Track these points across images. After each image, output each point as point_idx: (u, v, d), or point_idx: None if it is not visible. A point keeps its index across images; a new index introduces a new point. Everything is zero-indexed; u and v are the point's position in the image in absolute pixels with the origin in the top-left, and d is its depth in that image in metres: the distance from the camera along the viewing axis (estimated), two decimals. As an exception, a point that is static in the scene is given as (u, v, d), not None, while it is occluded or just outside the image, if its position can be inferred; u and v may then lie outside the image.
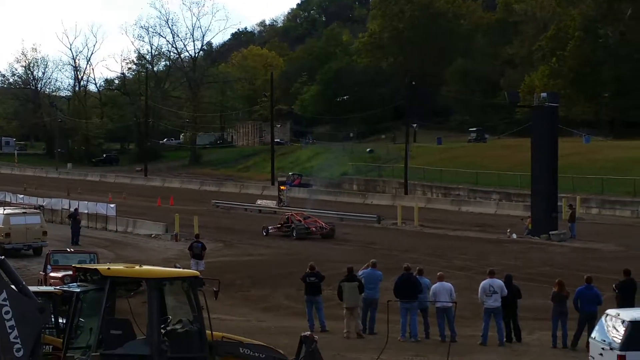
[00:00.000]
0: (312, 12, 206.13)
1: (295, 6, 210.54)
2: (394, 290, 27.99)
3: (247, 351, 17.75)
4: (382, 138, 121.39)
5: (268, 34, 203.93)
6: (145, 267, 18.39)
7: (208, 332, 17.05)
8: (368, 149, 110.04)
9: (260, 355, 17.83)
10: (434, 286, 27.86)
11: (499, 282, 27.29)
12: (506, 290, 27.13)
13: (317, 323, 29.50)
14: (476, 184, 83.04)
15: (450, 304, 27.18)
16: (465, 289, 33.35)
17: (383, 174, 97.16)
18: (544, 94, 57.03)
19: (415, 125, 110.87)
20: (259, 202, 76.32)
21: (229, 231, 59.60)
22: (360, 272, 29.48)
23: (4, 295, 16.19)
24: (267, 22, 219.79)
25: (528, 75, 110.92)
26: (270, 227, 58.28)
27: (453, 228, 60.55)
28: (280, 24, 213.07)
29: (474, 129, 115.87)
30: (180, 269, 21.62)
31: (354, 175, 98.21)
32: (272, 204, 73.82)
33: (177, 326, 17.29)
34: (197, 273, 18.59)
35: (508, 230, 55.64)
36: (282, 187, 75.24)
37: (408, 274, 28.27)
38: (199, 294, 17.12)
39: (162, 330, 16.96)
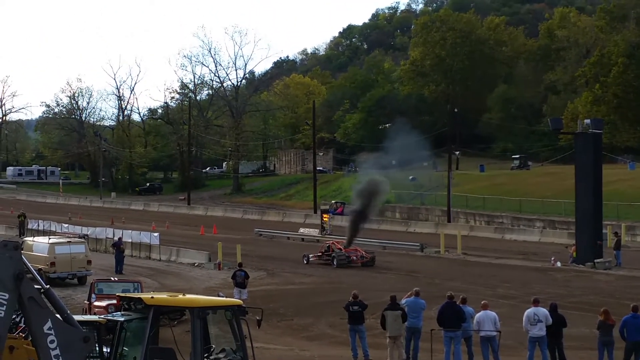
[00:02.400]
0: (353, 40, 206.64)
1: (337, 34, 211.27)
2: (437, 319, 27.82)
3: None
4: (424, 165, 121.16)
5: (310, 62, 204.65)
6: (188, 296, 18.45)
7: (251, 361, 17.07)
8: (410, 177, 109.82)
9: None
10: (477, 315, 27.65)
11: (543, 311, 27.04)
12: (551, 319, 26.86)
13: (360, 352, 29.38)
14: (520, 212, 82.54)
15: (494, 333, 26.97)
16: (509, 318, 33.05)
17: (425, 202, 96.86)
18: (587, 121, 56.52)
19: (457, 152, 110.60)
20: (301, 230, 76.33)
21: (272, 260, 59.59)
22: (403, 301, 29.34)
23: (49, 324, 16.30)
24: (309, 51, 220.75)
25: (571, 102, 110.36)
26: (311, 256, 58.35)
27: (496, 256, 60.16)
28: (322, 52, 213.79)
29: (517, 156, 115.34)
30: (224, 298, 21.64)
31: (397, 203, 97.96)
32: (315, 232, 73.77)
33: (221, 355, 17.30)
34: (240, 302, 18.62)
35: (552, 258, 55.17)
36: (325, 216, 75.13)
37: (451, 303, 28.09)
38: (242, 323, 17.13)
39: (206, 359, 16.99)
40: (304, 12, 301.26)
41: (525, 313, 27.26)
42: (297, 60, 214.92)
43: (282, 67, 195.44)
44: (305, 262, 57.83)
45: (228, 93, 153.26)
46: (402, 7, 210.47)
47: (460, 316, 27.71)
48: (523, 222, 79.28)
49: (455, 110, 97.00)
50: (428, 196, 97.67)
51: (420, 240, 66.72)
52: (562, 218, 73.92)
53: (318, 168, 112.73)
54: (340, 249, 57.42)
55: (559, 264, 54.18)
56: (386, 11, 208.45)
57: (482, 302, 28.50)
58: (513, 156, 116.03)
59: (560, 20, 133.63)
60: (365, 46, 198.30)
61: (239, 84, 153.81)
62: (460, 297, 29.04)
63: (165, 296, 17.90)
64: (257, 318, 18.00)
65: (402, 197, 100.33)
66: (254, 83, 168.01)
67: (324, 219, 74.23)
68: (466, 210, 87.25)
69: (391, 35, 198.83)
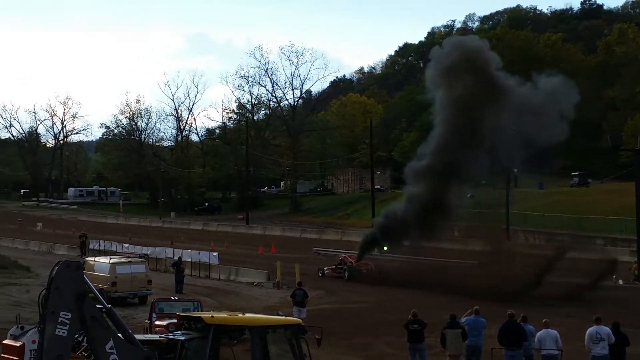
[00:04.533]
0: (410, 58, 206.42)
1: (393, 53, 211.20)
2: (498, 338, 27.63)
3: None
4: (482, 183, 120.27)
5: (367, 81, 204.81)
6: (248, 315, 18.53)
7: (311, 380, 17.07)
8: (469, 195, 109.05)
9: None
10: (539, 333, 27.40)
11: (606, 330, 26.72)
12: (614, 338, 26.54)
13: (420, 371, 29.28)
14: (580, 229, 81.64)
15: (556, 352, 26.70)
16: (571, 337, 32.69)
17: (484, 220, 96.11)
18: (647, 137, 56.05)
19: (516, 170, 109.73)
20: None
21: (330, 279, 59.58)
22: (463, 319, 29.19)
23: (111, 343, 16.46)
24: (366, 69, 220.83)
25: (631, 118, 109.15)
26: (325, 269, 61.48)
27: (557, 274, 59.49)
28: (378, 71, 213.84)
29: (576, 173, 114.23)
30: (283, 317, 21.67)
31: (455, 221, 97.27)
32: (374, 250, 73.47)
33: (281, 373, 17.35)
34: (300, 321, 18.65)
35: (614, 277, 54.51)
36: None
37: (512, 321, 27.88)
38: (301, 342, 17.14)
39: (266, 378, 17.04)
40: (360, 31, 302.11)
41: (588, 331, 26.96)
42: (354, 79, 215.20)
43: (339, 86, 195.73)
44: (320, 274, 60.36)
45: (285, 113, 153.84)
46: (458, 25, 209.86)
47: (522, 335, 27.49)
48: (584, 239, 78.33)
49: (514, 128, 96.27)
50: (486, 214, 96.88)
51: (478, 258, 66.21)
52: (624, 236, 72.97)
53: (376, 187, 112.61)
54: (352, 263, 61.24)
55: (621, 282, 53.55)
56: (442, 29, 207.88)
57: (544, 320, 28.23)
58: (572, 173, 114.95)
59: (618, 36, 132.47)
60: (421, 64, 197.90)
61: (296, 103, 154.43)
62: (521, 315, 28.82)
63: (225, 315, 17.99)
64: (317, 337, 18.01)
65: (460, 214, 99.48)
66: (311, 102, 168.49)
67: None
68: (525, 228, 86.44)
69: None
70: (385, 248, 71.70)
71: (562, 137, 59.14)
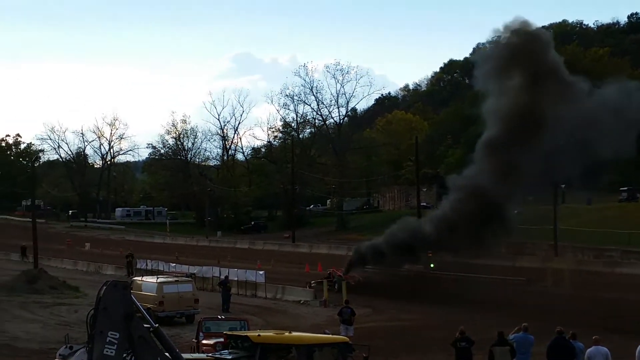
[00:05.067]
0: (455, 75, 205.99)
1: (438, 70, 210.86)
2: (547, 355, 27.39)
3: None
4: (529, 199, 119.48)
5: (412, 98, 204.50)
6: (294, 333, 18.53)
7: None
8: (515, 210, 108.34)
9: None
10: (589, 350, 27.12)
11: (656, 346, 26.43)
12: (665, 355, 26.23)
13: (468, 389, 29.08)
14: (629, 245, 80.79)
15: (606, 369, 26.42)
16: (622, 354, 32.32)
17: (531, 236, 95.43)
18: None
19: (563, 185, 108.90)
20: (407, 266, 75.73)
21: (378, 296, 59.38)
22: (511, 336, 28.98)
23: (159, 362, 16.53)
24: (411, 87, 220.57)
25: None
26: (312, 282, 63.91)
27: (607, 290, 58.92)
28: (423, 88, 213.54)
29: (625, 188, 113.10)
30: (330, 335, 21.63)
31: (505, 237, 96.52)
32: (421, 268, 73.19)
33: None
34: (347, 339, 18.63)
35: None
36: (429, 252, 74.51)
37: (561, 338, 27.63)
38: (349, 360, 17.11)
39: (313, 397, 17.01)
40: (405, 49, 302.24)
41: (638, 348, 26.65)
42: (399, 96, 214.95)
43: (384, 103, 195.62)
44: (307, 287, 61.77)
45: (331, 131, 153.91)
46: (504, 41, 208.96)
47: (571, 352, 27.22)
48: (634, 255, 77.55)
49: (561, 143, 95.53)
50: (533, 230, 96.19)
51: (526, 274, 65.77)
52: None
53: (422, 203, 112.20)
54: (340, 275, 63.93)
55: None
56: (487, 45, 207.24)
57: (594, 337, 27.93)
58: (621, 188, 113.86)
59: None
60: (466, 81, 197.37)
61: (341, 121, 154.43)
62: (570, 332, 28.55)
63: (271, 334, 18.03)
64: (364, 355, 17.98)
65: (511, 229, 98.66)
66: (356, 120, 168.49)
67: (428, 254, 73.61)
68: (573, 244, 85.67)
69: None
70: (432, 265, 71.47)
71: (631, 152, 57.15)
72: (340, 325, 40.78)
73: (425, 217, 72.64)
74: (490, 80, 63.10)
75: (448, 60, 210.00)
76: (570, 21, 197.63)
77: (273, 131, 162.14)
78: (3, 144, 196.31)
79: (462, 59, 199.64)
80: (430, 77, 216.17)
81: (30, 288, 64.19)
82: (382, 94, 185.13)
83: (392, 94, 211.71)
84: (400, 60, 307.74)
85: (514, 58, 60.71)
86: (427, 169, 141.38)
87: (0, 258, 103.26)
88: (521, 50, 60.32)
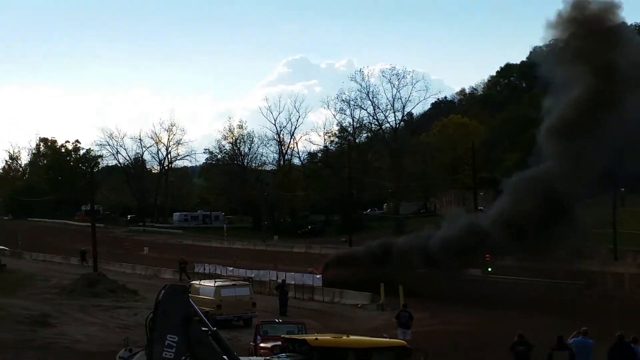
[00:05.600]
0: (512, 78, 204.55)
1: (494, 73, 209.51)
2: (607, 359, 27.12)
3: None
4: (587, 202, 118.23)
5: (468, 102, 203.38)
6: (352, 337, 18.52)
7: (417, 402, 16.99)
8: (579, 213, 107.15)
9: None
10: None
11: None
12: None
13: (527, 393, 28.87)
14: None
15: (667, 374, 26.11)
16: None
17: (590, 240, 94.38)
18: None
19: (623, 189, 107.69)
20: (463, 270, 75.28)
21: (435, 300, 59.12)
22: (570, 341, 28.73)
23: (217, 365, 16.62)
24: (467, 90, 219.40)
25: None
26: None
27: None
28: (480, 92, 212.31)
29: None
30: (388, 339, 21.61)
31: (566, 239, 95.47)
32: (478, 272, 72.85)
33: (385, 396, 17.28)
34: (404, 343, 18.59)
35: None
36: (487, 256, 74.10)
37: (622, 343, 27.33)
38: (406, 364, 17.07)
39: (371, 400, 17.00)
40: (461, 53, 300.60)
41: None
42: (455, 100, 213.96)
43: (440, 107, 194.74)
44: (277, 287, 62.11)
45: (387, 135, 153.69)
46: (560, 44, 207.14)
47: (632, 356, 26.93)
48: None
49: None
50: (593, 234, 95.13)
51: (585, 278, 65.11)
52: None
53: (479, 208, 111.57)
54: (315, 272, 68.78)
55: None
56: (544, 49, 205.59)
57: (632, 337, 27.66)
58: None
59: None
60: (524, 84, 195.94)
61: (397, 125, 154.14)
62: (631, 336, 28.24)
63: (329, 338, 18.03)
64: (422, 359, 17.91)
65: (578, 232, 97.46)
66: (413, 124, 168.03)
67: (487, 258, 73.21)
68: (634, 248, 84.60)
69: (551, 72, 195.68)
70: (489, 269, 71.10)
71: None
72: (398, 328, 40.70)
73: (481, 215, 71.02)
74: (556, 72, 61.35)
75: (505, 63, 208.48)
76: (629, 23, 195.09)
77: (329, 136, 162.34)
78: (62, 150, 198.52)
79: (518, 62, 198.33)
80: (486, 80, 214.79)
81: (90, 291, 64.89)
82: (438, 98, 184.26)
83: (449, 98, 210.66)
84: (456, 65, 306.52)
85: (583, 41, 59.10)
86: (484, 173, 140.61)
87: (60, 262, 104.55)
88: (590, 33, 58.58)
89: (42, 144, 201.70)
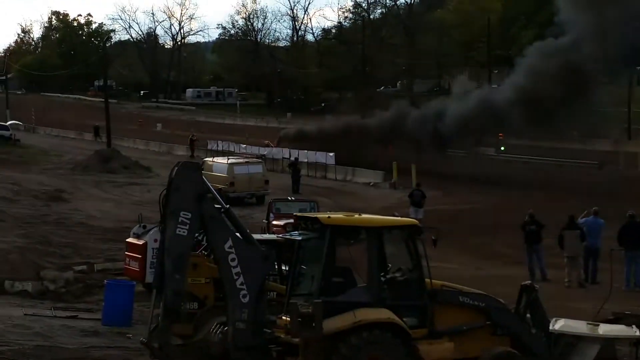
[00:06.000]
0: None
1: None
2: (617, 239, 27.26)
3: (467, 299, 17.67)
4: (603, 80, 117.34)
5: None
6: (364, 215, 18.57)
7: (427, 280, 17.11)
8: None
9: (480, 303, 17.71)
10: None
11: None
12: None
13: (537, 271, 29.14)
14: None
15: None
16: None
17: (604, 119, 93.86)
18: None
19: (638, 67, 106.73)
20: (476, 148, 75.18)
21: (448, 178, 59.18)
22: (581, 220, 28.85)
23: (230, 242, 16.76)
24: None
25: None
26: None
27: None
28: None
29: None
30: (399, 218, 21.70)
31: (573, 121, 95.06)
32: (491, 151, 72.76)
33: (397, 274, 17.41)
34: (416, 222, 18.64)
35: None
36: (500, 135, 73.96)
37: (633, 222, 27.43)
38: (418, 243, 17.16)
39: (382, 279, 17.14)
40: None
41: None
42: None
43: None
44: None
45: (401, 11, 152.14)
46: None
47: (642, 235, 27.08)
48: None
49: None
50: (606, 113, 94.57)
51: (598, 158, 65.03)
52: None
53: (493, 86, 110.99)
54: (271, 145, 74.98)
55: None
56: None
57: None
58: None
59: None
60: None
61: (412, 1, 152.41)
62: (642, 216, 28.33)
63: (341, 216, 18.06)
64: (433, 238, 17.98)
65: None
66: (428, 0, 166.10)
67: (499, 137, 73.07)
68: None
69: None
70: (502, 148, 71.04)
71: None
72: (410, 207, 40.89)
73: (494, 91, 69.43)
74: None
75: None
76: None
77: (343, 12, 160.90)
78: (75, 24, 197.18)
79: None
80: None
81: (104, 167, 65.29)
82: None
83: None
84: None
85: None
86: (499, 51, 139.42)
87: (74, 137, 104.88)
88: None
89: (54, 17, 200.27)
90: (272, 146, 74.59)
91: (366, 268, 16.92)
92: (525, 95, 59.28)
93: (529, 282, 19.04)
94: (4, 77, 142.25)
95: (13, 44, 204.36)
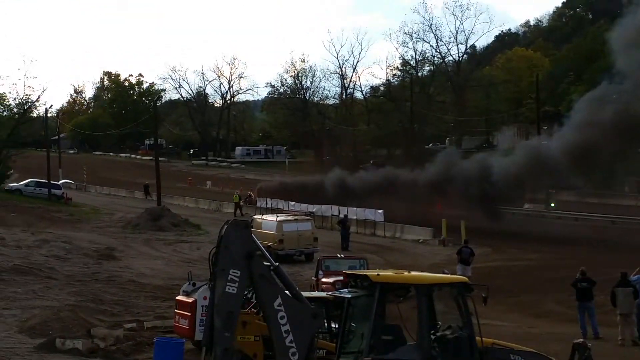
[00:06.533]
0: (577, 9, 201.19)
1: (560, 5, 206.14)
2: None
3: (518, 358, 17.49)
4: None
5: (532, 34, 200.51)
6: (413, 273, 18.51)
7: (478, 338, 16.96)
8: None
9: (532, 362, 17.53)
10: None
11: None
12: None
13: (589, 329, 28.78)
14: None
15: None
16: None
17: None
18: None
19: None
20: (526, 205, 74.92)
21: (497, 235, 58.92)
22: (634, 278, 28.52)
23: (279, 300, 16.74)
24: (532, 22, 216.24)
25: None
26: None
27: None
28: (545, 24, 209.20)
29: None
30: (449, 275, 21.60)
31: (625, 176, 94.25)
32: (539, 207, 72.45)
33: (447, 332, 17.28)
34: (466, 279, 18.55)
35: None
36: (550, 190, 73.60)
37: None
38: (468, 300, 17.05)
39: (432, 336, 17.02)
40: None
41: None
42: (520, 32, 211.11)
43: (504, 40, 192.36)
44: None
45: (449, 68, 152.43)
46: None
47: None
48: None
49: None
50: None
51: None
52: None
53: (542, 142, 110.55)
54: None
55: None
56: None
57: None
58: None
59: None
60: (590, 16, 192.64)
61: (460, 59, 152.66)
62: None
63: (390, 273, 18.01)
64: (483, 295, 17.86)
65: (631, 168, 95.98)
66: (476, 57, 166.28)
67: (550, 192, 72.68)
68: None
69: (618, 3, 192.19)
70: (552, 204, 70.58)
71: None
72: (457, 264, 40.65)
73: (544, 147, 68.65)
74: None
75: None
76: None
77: (392, 69, 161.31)
78: (126, 84, 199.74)
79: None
80: (552, 12, 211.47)
81: (154, 225, 65.65)
82: (502, 31, 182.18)
83: (513, 30, 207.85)
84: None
85: None
86: (548, 107, 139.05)
87: (125, 196, 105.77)
88: None
89: (106, 77, 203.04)
90: (253, 196, 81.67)
91: (416, 326, 16.83)
92: (576, 149, 58.59)
93: (582, 340, 18.86)
94: (56, 137, 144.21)
95: (66, 104, 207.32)
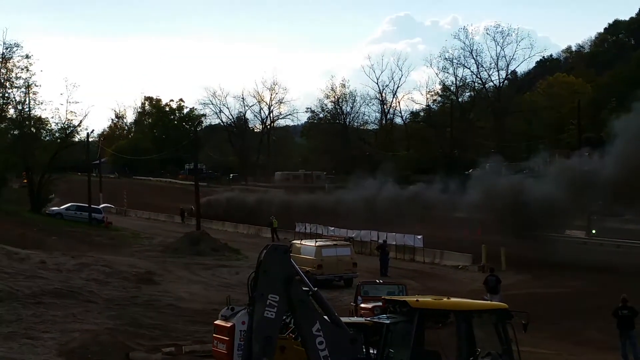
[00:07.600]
0: (620, 35, 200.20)
1: (602, 30, 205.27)
2: None
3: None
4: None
5: (574, 60, 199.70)
6: (453, 299, 18.42)
7: (518, 365, 16.84)
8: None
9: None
10: None
11: None
12: None
13: (631, 358, 28.46)
14: None
15: None
16: None
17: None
18: None
19: None
20: (567, 232, 74.41)
21: (537, 262, 58.45)
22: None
23: (318, 325, 16.71)
24: (573, 48, 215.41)
25: None
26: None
27: None
28: (586, 50, 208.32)
29: None
30: (489, 302, 21.49)
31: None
32: (581, 234, 71.89)
33: (486, 359, 17.18)
34: (506, 305, 18.41)
35: None
36: (592, 216, 73.04)
37: None
38: (507, 327, 16.93)
39: (472, 363, 16.91)
40: (568, 9, 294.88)
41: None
42: (561, 58, 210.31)
43: (546, 66, 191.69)
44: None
45: (490, 94, 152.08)
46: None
47: None
48: None
49: None
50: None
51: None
52: None
53: (585, 168, 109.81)
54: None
55: None
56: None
57: None
58: None
59: None
60: (632, 42, 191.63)
61: (501, 84, 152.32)
62: None
63: (429, 299, 17.96)
64: (523, 322, 17.73)
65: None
66: (517, 83, 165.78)
67: (591, 218, 72.14)
68: None
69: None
70: (593, 232, 69.98)
71: None
72: (486, 294, 40.17)
73: (584, 173, 68.22)
74: None
75: (613, 20, 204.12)
76: None
77: (432, 95, 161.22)
78: (167, 109, 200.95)
79: (627, 18, 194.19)
80: (594, 38, 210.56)
81: (193, 250, 65.82)
82: (543, 56, 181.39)
83: (554, 56, 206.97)
84: (563, 22, 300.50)
85: None
86: (590, 133, 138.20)
87: (164, 220, 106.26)
88: None
89: (147, 102, 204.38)
90: (193, 209, 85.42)
91: (455, 352, 16.72)
92: (618, 174, 58.30)
93: (623, 368, 18.61)
94: (97, 162, 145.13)
95: (107, 129, 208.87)
